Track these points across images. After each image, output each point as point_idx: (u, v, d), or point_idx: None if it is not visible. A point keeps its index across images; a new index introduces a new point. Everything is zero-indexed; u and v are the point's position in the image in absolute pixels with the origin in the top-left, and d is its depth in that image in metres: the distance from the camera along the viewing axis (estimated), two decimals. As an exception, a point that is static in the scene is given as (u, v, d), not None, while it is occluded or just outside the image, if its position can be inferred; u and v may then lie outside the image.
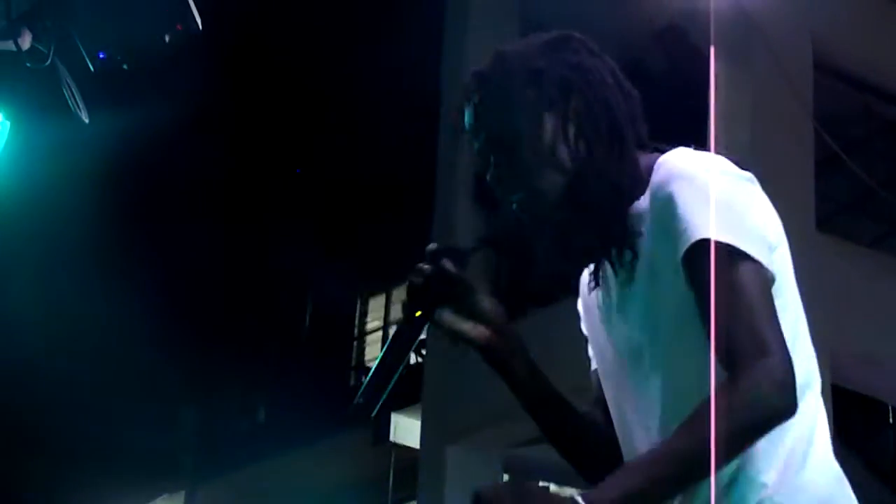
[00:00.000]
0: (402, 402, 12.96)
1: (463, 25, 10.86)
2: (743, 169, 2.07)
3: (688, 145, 2.11)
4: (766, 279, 1.96)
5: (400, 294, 16.13)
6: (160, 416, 17.90)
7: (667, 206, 1.98)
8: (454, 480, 10.17)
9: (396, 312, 16.39)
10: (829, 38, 9.17)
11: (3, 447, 16.07)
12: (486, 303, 2.15)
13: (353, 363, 17.08)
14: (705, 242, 1.91)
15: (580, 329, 2.25)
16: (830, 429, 2.08)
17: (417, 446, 11.35)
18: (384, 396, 2.06)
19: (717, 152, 2.12)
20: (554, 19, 10.36)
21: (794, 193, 8.30)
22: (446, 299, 2.11)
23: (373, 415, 2.10)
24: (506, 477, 10.53)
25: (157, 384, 17.61)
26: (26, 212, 7.16)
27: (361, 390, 2.05)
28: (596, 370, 2.20)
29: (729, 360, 1.89)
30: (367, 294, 17.03)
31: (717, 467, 1.89)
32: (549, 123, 2.10)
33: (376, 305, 17.00)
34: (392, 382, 2.06)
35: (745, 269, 1.92)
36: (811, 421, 2.03)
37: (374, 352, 16.53)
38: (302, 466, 15.53)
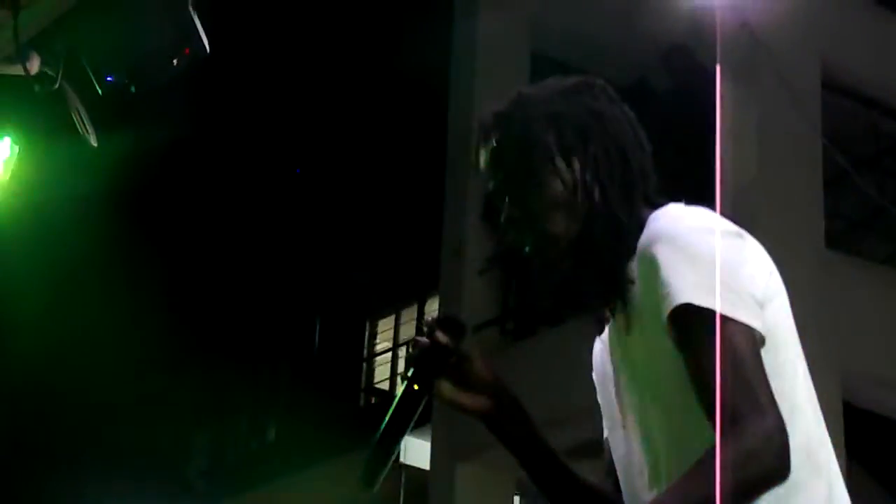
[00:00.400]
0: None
1: (473, 47, 10.87)
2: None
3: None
4: (754, 338, 1.94)
5: (410, 314, 16.23)
6: (171, 439, 17.93)
7: (650, 268, 1.98)
8: (465, 501, 10.15)
9: (406, 332, 16.42)
10: (837, 56, 9.17)
11: (12, 472, 16.08)
12: (484, 372, 2.15)
13: (363, 384, 17.09)
14: (687, 307, 1.91)
15: (588, 357, 2.25)
16: (842, 449, 2.06)
17: (427, 467, 11.34)
18: (387, 468, 2.09)
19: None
20: (564, 41, 10.48)
21: (803, 211, 8.30)
22: (444, 371, 2.11)
23: (376, 487, 2.13)
24: (517, 499, 10.51)
25: (168, 407, 17.64)
26: (34, 234, 7.17)
27: (368, 463, 2.08)
28: (606, 437, 2.20)
29: (710, 415, 1.89)
30: (376, 315, 17.03)
31: None
32: (566, 169, 2.10)
33: (385, 326, 17.00)
34: (394, 453, 2.09)
35: (731, 331, 1.90)
36: (826, 484, 2.02)
37: (383, 372, 16.52)
38: (312, 487, 15.54)
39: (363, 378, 17.11)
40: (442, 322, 2.11)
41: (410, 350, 2.11)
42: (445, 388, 2.12)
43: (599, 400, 2.20)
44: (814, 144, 8.81)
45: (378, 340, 17.11)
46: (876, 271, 9.32)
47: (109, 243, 14.01)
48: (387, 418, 2.08)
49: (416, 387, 2.08)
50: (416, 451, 12.96)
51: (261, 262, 17.06)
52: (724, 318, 1.91)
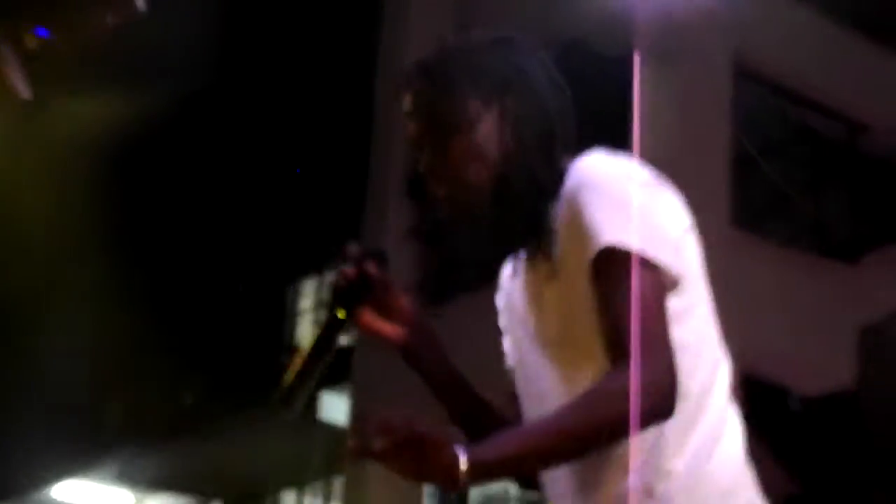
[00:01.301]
0: (330, 381, 13.02)
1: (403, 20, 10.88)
2: (657, 167, 2.10)
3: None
4: (662, 284, 1.97)
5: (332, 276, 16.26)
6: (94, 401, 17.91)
7: (575, 213, 2.00)
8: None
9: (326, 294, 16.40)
10: (751, 47, 9.28)
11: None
12: (404, 302, 2.16)
13: (284, 338, 17.10)
14: (611, 249, 1.93)
15: (500, 324, 2.25)
16: (745, 414, 2.10)
17: (344, 424, 11.39)
18: (308, 391, 2.08)
19: (640, 150, 2.14)
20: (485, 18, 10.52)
21: (709, 190, 8.41)
22: (367, 300, 2.12)
23: (296, 408, 2.13)
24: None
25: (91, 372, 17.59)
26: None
27: (286, 385, 2.06)
28: (510, 366, 2.21)
29: (615, 355, 1.92)
30: (297, 278, 17.04)
31: (593, 450, 1.95)
32: (485, 119, 2.10)
33: (307, 288, 17.02)
34: (316, 377, 2.07)
35: (642, 275, 1.93)
36: (719, 418, 2.05)
37: (306, 330, 16.56)
38: (235, 444, 15.55)
39: (286, 336, 17.14)
40: (369, 253, 2.11)
41: (336, 279, 2.10)
42: (368, 316, 2.13)
43: (507, 336, 2.22)
44: (723, 128, 8.93)
45: (300, 301, 17.15)
46: (777, 251, 9.47)
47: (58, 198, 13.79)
48: (313, 342, 2.08)
49: (340, 314, 2.08)
50: (334, 408, 13.04)
51: (187, 226, 16.98)
52: (642, 260, 1.94)
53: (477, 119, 2.10)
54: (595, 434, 1.91)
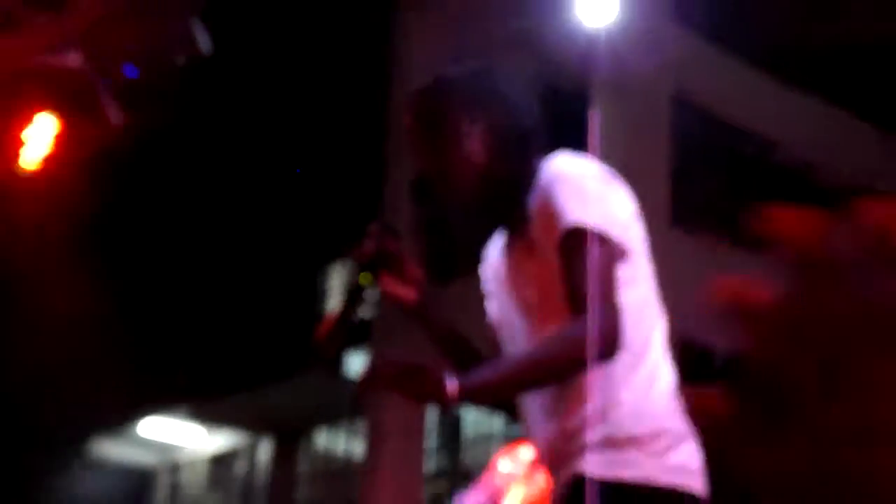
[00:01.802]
0: (353, 343, 13.00)
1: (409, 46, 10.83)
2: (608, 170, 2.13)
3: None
4: (613, 255, 2.00)
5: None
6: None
7: (546, 201, 2.03)
8: (391, 402, 10.23)
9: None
10: (686, 82, 9.27)
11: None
12: (414, 270, 2.18)
13: (318, 309, 17.03)
14: (574, 228, 1.97)
15: (483, 289, 2.27)
16: (679, 372, 2.10)
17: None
18: (341, 343, 2.12)
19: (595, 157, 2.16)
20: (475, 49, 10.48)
21: (652, 195, 8.41)
22: (386, 267, 2.13)
23: (332, 357, 2.16)
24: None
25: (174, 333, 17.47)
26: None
27: (322, 337, 2.09)
28: (493, 321, 2.23)
29: (576, 311, 1.96)
30: (329, 262, 16.96)
31: (553, 380, 2.02)
32: (473, 132, 2.12)
33: (336, 270, 16.95)
34: (345, 332, 2.10)
35: (598, 249, 1.96)
36: (656, 363, 2.07)
37: (334, 305, 16.47)
38: (280, 392, 15.49)
39: (317, 308, 17.10)
40: (388, 231, 2.15)
41: (360, 251, 2.12)
42: (387, 280, 2.14)
43: (492, 299, 2.24)
44: (663, 145, 8.92)
45: (329, 281, 17.08)
46: (705, 242, 9.46)
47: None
48: (342, 302, 2.11)
49: (364, 280, 2.09)
50: (356, 364, 13.02)
51: (249, 227, 16.84)
52: (598, 236, 1.97)
53: (466, 133, 2.12)
54: (554, 367, 1.97)
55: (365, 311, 2.18)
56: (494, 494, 3.80)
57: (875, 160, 9.97)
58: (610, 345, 1.92)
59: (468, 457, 13.76)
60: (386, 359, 2.01)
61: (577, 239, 1.97)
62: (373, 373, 1.95)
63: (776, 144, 10.08)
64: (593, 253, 1.96)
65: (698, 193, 9.90)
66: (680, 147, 9.16)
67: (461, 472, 13.07)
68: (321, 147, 15.55)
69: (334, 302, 16.51)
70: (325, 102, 14.53)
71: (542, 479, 3.70)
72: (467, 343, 2.21)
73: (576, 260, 1.96)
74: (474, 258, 2.29)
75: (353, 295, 2.12)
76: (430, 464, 12.93)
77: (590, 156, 2.14)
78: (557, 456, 2.05)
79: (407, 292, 2.17)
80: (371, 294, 2.14)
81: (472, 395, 1.93)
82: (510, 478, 3.77)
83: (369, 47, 11.96)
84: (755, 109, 9.78)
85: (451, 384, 1.87)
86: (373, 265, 2.12)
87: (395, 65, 11.13)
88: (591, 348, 1.92)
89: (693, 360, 9.38)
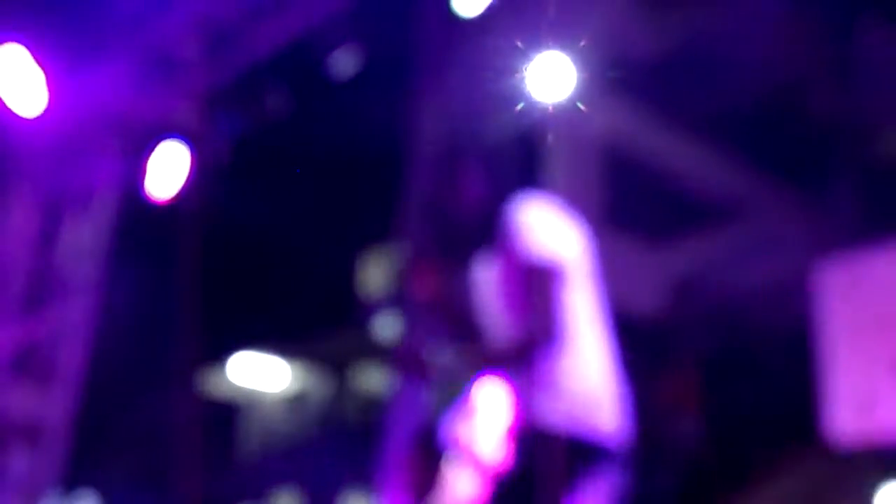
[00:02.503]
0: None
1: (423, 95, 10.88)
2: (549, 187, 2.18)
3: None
4: (559, 273, 2.04)
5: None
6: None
7: (513, 231, 2.10)
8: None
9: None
10: (613, 126, 9.46)
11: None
12: (433, 277, 2.20)
13: (353, 292, 16.92)
14: (534, 255, 2.02)
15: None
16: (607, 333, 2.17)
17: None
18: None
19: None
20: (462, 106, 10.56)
21: (589, 206, 8.60)
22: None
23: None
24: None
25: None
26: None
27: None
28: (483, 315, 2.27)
29: (524, 318, 2.04)
30: (365, 250, 16.79)
31: None
32: (469, 176, 2.22)
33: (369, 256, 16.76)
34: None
35: (548, 267, 2.01)
36: (591, 340, 2.15)
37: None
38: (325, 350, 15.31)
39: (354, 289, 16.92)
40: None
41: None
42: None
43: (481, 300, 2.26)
44: (598, 171, 9.09)
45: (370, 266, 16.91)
46: (628, 243, 9.67)
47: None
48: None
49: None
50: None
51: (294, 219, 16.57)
52: (548, 259, 2.02)
53: (464, 176, 2.17)
54: None
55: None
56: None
57: (738, 181, 10.21)
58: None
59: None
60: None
61: (527, 263, 1.97)
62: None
63: (675, 171, 10.29)
64: (544, 273, 1.96)
65: (621, 206, 10.09)
66: (609, 171, 9.35)
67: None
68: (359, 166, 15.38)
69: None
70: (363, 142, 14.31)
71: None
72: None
73: (525, 279, 1.96)
74: (468, 265, 2.25)
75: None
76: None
77: (547, 195, 2.18)
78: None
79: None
80: None
81: None
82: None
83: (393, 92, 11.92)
84: (660, 146, 10.01)
85: None
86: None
87: (413, 107, 11.15)
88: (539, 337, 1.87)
89: (617, 324, 9.61)
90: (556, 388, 1.93)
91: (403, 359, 2.02)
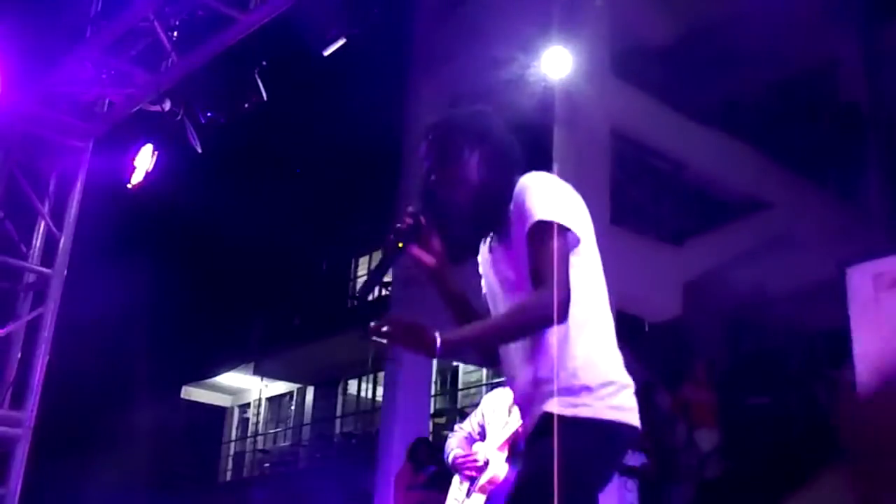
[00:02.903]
0: (378, 315, 12.92)
1: (417, 98, 10.83)
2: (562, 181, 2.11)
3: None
4: (568, 242, 1.98)
5: (376, 257, 16.12)
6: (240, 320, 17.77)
7: (520, 204, 2.02)
8: (408, 360, 10.20)
9: (374, 264, 16.26)
10: (620, 118, 9.24)
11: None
12: (437, 244, 2.13)
13: (350, 293, 17.05)
14: (539, 222, 1.96)
15: (479, 272, 2.26)
16: (615, 334, 2.09)
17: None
18: (374, 287, 2.12)
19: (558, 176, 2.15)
20: (468, 94, 10.48)
21: (597, 202, 8.37)
22: (417, 238, 2.08)
23: (368, 297, 2.14)
24: (435, 361, 10.54)
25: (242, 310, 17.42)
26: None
27: (364, 286, 2.13)
28: (484, 294, 2.22)
29: (534, 286, 1.95)
30: (358, 255, 16.98)
31: (517, 336, 2.01)
32: (470, 159, 2.10)
33: (364, 261, 16.95)
34: (380, 281, 2.10)
35: (556, 237, 1.96)
36: (602, 326, 2.06)
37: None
38: (320, 351, 15.49)
39: (350, 288, 17.08)
40: (421, 211, 2.09)
41: (399, 223, 2.07)
42: (416, 249, 2.10)
43: (483, 279, 2.21)
44: (605, 164, 8.90)
45: (358, 269, 17.08)
46: (636, 237, 9.44)
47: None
48: (380, 261, 2.06)
49: (400, 245, 2.04)
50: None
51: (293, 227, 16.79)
52: (558, 227, 1.96)
53: (465, 159, 2.09)
54: (513, 329, 1.97)
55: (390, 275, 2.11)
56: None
57: (756, 176, 9.96)
58: (560, 310, 1.90)
59: (462, 399, 13.75)
60: (393, 317, 1.91)
61: (540, 231, 1.95)
62: (383, 325, 1.91)
63: (686, 165, 10.05)
64: (554, 240, 1.94)
65: (631, 201, 9.87)
66: (616, 166, 9.12)
67: (457, 410, 13.07)
68: (353, 172, 15.53)
69: (361, 282, 16.51)
70: (356, 140, 14.42)
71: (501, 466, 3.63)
72: (469, 304, 2.18)
73: (538, 247, 1.94)
74: (469, 250, 2.22)
75: (390, 255, 2.06)
76: (434, 404, 12.92)
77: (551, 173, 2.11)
78: (529, 399, 2.02)
79: (430, 259, 2.12)
80: (401, 256, 2.08)
81: (453, 347, 1.89)
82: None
83: (386, 91, 11.89)
84: (671, 139, 9.76)
85: (438, 338, 1.85)
86: (407, 235, 2.06)
87: (408, 106, 11.09)
88: (543, 313, 1.90)
89: (627, 325, 9.43)
90: (566, 375, 1.97)
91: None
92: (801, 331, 10.69)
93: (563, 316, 1.91)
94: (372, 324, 1.92)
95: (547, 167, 2.20)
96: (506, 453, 3.69)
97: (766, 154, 10.24)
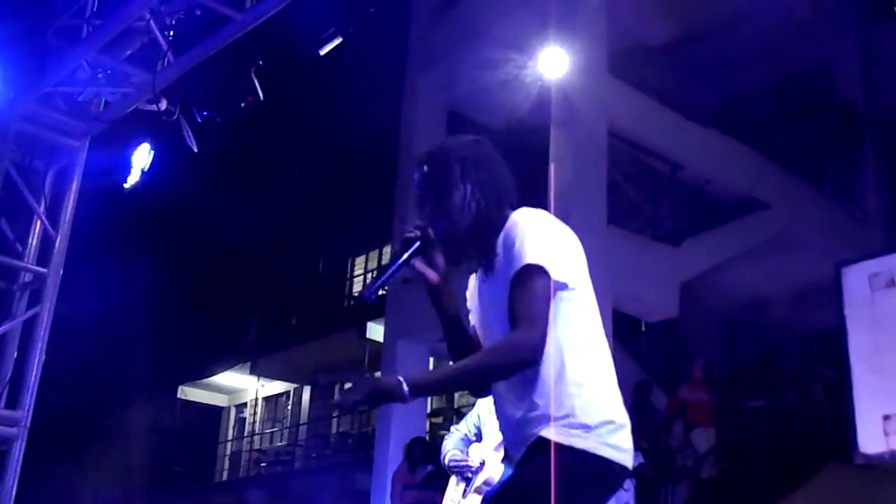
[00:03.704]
0: (374, 315, 12.97)
1: (414, 99, 10.82)
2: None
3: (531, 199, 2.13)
4: (550, 286, 1.97)
5: (373, 255, 16.15)
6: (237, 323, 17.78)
7: (509, 242, 2.02)
8: (402, 361, 10.19)
9: (371, 265, 16.33)
10: (617, 118, 9.23)
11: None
12: (440, 260, 2.12)
13: (346, 293, 17.04)
14: (528, 265, 1.95)
15: (464, 290, 2.25)
16: (612, 334, 2.09)
17: (381, 341, 11.33)
18: (379, 290, 2.10)
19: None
20: (467, 111, 10.51)
21: (593, 202, 8.37)
22: (422, 251, 2.09)
23: (374, 298, 2.15)
24: (432, 360, 10.54)
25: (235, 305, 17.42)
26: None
27: (366, 289, 2.07)
28: (473, 325, 2.21)
29: (511, 326, 1.95)
30: (354, 255, 16.97)
31: (488, 380, 2.02)
32: (463, 188, 2.10)
33: (360, 261, 16.94)
34: (385, 285, 2.07)
35: (540, 279, 1.94)
36: (598, 366, 2.03)
37: (359, 286, 16.48)
38: (317, 350, 15.47)
39: (347, 288, 17.08)
40: (429, 226, 2.09)
41: (407, 235, 2.07)
42: (419, 262, 2.09)
43: (471, 311, 2.21)
44: (601, 165, 8.89)
45: (356, 268, 17.07)
46: (636, 239, 9.43)
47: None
48: (387, 270, 2.06)
49: (405, 256, 2.04)
50: (376, 331, 12.99)
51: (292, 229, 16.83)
52: (543, 270, 1.95)
53: (459, 188, 2.09)
54: (485, 369, 1.96)
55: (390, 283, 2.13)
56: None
57: (753, 176, 9.96)
58: (530, 352, 1.92)
59: (458, 398, 13.75)
60: (353, 386, 1.92)
61: (526, 273, 1.94)
62: (344, 400, 1.94)
63: (683, 166, 10.06)
64: (536, 283, 1.93)
65: (628, 201, 9.87)
66: (614, 167, 9.11)
67: (453, 410, 13.06)
68: (349, 172, 15.54)
69: (359, 287, 16.52)
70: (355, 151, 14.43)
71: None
72: (463, 325, 2.17)
73: (519, 290, 1.94)
74: (460, 271, 2.23)
75: (396, 263, 2.06)
76: (430, 404, 12.91)
77: (545, 211, 2.09)
78: (520, 429, 2.00)
79: (432, 275, 2.11)
80: (405, 270, 2.09)
81: (420, 389, 1.91)
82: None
83: (382, 103, 11.88)
84: (668, 139, 9.76)
85: (404, 384, 1.86)
86: (413, 246, 2.06)
87: (404, 106, 11.06)
88: (517, 357, 1.91)
89: (623, 325, 9.42)
90: (560, 396, 1.96)
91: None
92: (797, 330, 10.70)
93: (535, 358, 1.92)
94: (336, 398, 1.95)
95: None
96: (501, 454, 3.69)
97: (764, 154, 10.24)
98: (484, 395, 2.19)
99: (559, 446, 1.89)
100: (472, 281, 2.20)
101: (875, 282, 6.09)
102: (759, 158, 10.11)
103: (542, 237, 1.99)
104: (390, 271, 2.06)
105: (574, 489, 1.88)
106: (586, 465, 1.90)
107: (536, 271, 1.94)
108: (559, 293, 1.98)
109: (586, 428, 1.92)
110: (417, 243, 2.06)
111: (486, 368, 1.95)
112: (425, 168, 2.12)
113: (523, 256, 1.95)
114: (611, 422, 1.96)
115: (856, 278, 6.11)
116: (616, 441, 1.94)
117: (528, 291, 1.92)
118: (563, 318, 1.99)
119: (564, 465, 1.87)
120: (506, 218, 2.05)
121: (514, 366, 1.93)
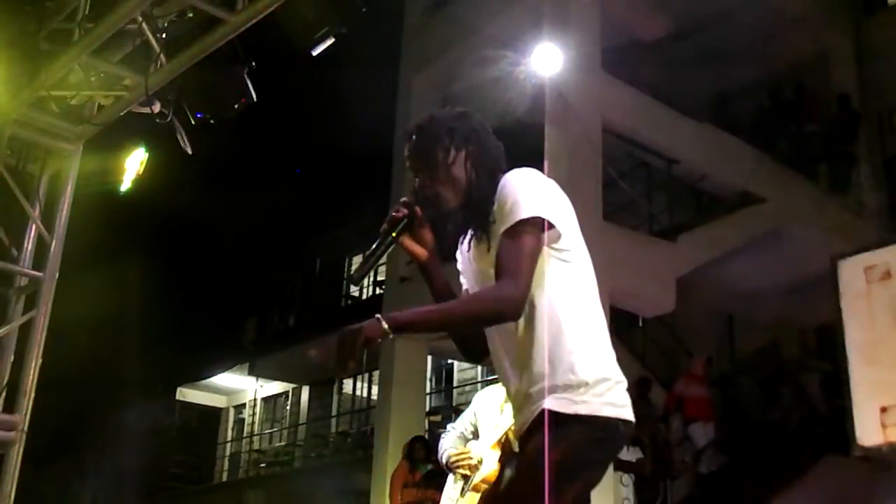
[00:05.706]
0: (372, 314, 12.92)
1: (408, 97, 10.83)
2: (558, 183, 2.11)
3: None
4: (541, 239, 1.98)
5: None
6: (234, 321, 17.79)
7: (503, 203, 2.02)
8: (400, 356, 10.17)
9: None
10: (612, 114, 9.24)
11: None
12: (428, 236, 2.14)
13: (343, 291, 17.04)
14: (520, 221, 1.96)
15: (457, 269, 2.26)
16: (609, 330, 2.09)
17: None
18: (368, 273, 2.11)
19: (549, 172, 2.15)
20: (459, 97, 10.50)
21: (589, 198, 8.39)
22: (409, 229, 2.09)
23: (360, 282, 2.17)
24: (430, 359, 10.54)
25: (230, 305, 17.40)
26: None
27: (357, 271, 2.07)
28: (465, 289, 2.22)
29: (496, 277, 1.96)
30: (351, 254, 16.97)
31: (466, 326, 2.04)
32: (455, 159, 2.11)
33: (357, 261, 16.94)
34: (373, 268, 2.08)
35: (531, 236, 1.95)
36: (593, 325, 2.05)
37: (354, 289, 16.49)
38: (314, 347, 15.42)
39: (343, 287, 17.08)
40: (415, 203, 2.09)
41: (393, 213, 2.07)
42: (407, 238, 2.10)
43: (462, 275, 2.22)
44: (596, 161, 8.90)
45: (352, 269, 17.07)
46: (631, 234, 9.44)
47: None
48: (374, 248, 2.06)
49: (393, 234, 2.05)
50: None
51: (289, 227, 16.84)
52: (537, 222, 1.96)
53: (451, 159, 2.10)
54: (466, 315, 1.95)
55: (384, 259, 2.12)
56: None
57: (748, 171, 9.98)
58: (513, 304, 1.92)
59: (457, 397, 13.76)
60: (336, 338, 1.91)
61: (518, 228, 1.95)
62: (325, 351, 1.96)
63: (678, 161, 10.07)
64: (526, 237, 1.94)
65: (623, 197, 9.88)
66: (608, 163, 9.11)
67: (452, 408, 13.08)
68: (345, 171, 15.54)
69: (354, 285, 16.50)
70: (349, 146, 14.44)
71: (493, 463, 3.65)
72: (454, 295, 2.18)
73: (509, 242, 1.95)
74: (451, 245, 2.22)
75: (384, 243, 2.06)
76: (429, 402, 12.93)
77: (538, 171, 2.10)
78: (525, 398, 2.01)
79: (420, 251, 2.13)
80: (394, 244, 2.09)
81: (400, 326, 1.88)
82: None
83: (378, 92, 11.87)
84: (663, 135, 9.77)
85: (382, 320, 1.85)
86: (400, 224, 2.06)
87: (399, 105, 11.07)
88: (498, 307, 1.91)
89: (619, 320, 9.43)
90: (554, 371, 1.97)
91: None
92: (793, 324, 10.72)
93: (517, 312, 1.93)
94: (313, 352, 1.93)
95: (538, 165, 2.19)
96: (498, 452, 3.70)
97: (758, 148, 10.26)
98: (476, 361, 2.20)
99: (563, 416, 1.91)
100: (463, 246, 2.21)
101: (871, 274, 6.10)
102: (754, 152, 10.13)
103: (535, 192, 2.00)
104: (380, 250, 2.05)
105: (584, 455, 1.91)
106: (592, 430, 1.92)
107: (529, 228, 1.95)
108: (554, 256, 2.00)
109: (586, 386, 1.94)
110: (405, 220, 2.07)
111: (467, 314, 1.95)
112: (414, 138, 2.13)
113: (516, 212, 1.96)
114: (608, 378, 1.98)
115: (851, 271, 6.11)
116: (614, 398, 1.97)
117: (517, 247, 1.92)
118: (560, 279, 2.00)
119: (572, 434, 1.90)
120: (497, 183, 2.06)
121: (493, 317, 1.95)
